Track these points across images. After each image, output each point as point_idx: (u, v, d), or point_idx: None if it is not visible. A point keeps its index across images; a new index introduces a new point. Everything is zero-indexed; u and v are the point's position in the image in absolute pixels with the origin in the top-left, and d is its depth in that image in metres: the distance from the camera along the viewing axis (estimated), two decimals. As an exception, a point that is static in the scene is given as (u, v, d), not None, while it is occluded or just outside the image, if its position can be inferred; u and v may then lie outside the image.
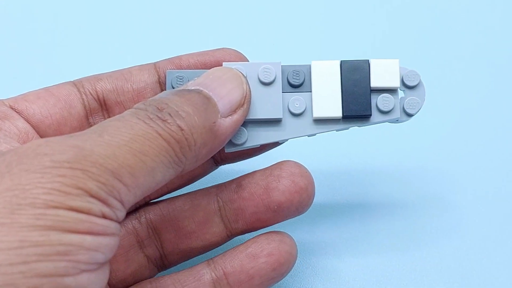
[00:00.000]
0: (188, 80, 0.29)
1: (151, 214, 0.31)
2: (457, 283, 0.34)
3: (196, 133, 0.25)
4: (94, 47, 0.41)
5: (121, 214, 0.23)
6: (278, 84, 0.30)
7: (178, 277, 0.30)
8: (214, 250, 0.31)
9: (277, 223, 0.31)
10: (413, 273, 0.35)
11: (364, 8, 0.42)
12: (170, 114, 0.25)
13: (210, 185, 0.32)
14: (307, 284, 0.35)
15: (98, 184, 0.22)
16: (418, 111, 0.30)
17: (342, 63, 0.30)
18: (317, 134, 0.30)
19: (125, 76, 0.30)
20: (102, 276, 0.22)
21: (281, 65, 0.30)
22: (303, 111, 0.30)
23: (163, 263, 0.31)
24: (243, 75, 0.29)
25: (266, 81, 0.30)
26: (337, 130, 0.30)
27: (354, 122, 0.30)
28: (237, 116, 0.28)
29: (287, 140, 0.30)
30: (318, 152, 0.37)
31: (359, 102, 0.30)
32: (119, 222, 0.23)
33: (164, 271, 0.32)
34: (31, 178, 0.21)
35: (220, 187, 0.31)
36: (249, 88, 0.29)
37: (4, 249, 0.20)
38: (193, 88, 0.27)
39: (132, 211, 0.31)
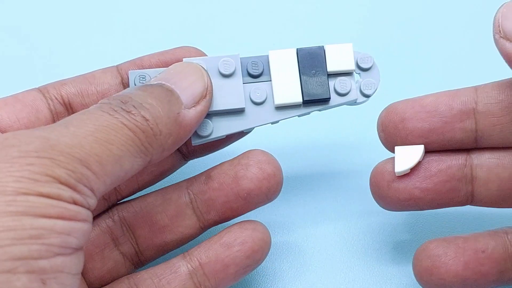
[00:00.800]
0: (151, 78, 0.30)
1: (123, 211, 0.32)
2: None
3: (161, 123, 0.26)
4: (56, 55, 0.41)
5: (92, 201, 0.23)
6: (238, 76, 0.31)
7: (154, 271, 0.30)
8: (190, 243, 0.32)
9: (249, 211, 0.31)
10: (380, 236, 0.36)
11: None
12: (134, 106, 0.26)
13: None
14: (280, 263, 0.35)
15: (67, 171, 0.22)
16: (374, 91, 0.31)
17: (298, 51, 0.31)
18: (280, 121, 0.31)
19: (89, 80, 0.31)
20: (77, 261, 0.23)
21: (240, 57, 0.31)
22: (265, 100, 0.31)
23: (139, 259, 0.32)
24: (203, 68, 0.30)
25: (226, 73, 0.31)
26: (299, 116, 0.31)
27: (315, 106, 0.31)
28: (200, 107, 0.28)
29: (252, 128, 0.31)
30: (283, 140, 0.38)
31: (317, 86, 0.31)
32: (91, 210, 0.24)
33: (141, 268, 0.32)
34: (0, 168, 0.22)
35: (190, 181, 0.32)
36: (210, 80, 0.29)
37: None
38: (155, 83, 0.28)
39: (105, 210, 0.32)
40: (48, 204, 0.22)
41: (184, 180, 0.32)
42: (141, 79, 0.30)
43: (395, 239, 0.36)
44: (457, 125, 0.30)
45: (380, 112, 0.31)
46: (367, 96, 0.31)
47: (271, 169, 0.31)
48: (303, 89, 0.31)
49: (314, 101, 0.31)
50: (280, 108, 0.31)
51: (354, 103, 0.31)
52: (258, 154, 0.31)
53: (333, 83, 0.31)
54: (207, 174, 0.31)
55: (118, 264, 0.31)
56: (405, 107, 0.31)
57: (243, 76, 0.31)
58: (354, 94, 0.31)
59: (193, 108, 0.28)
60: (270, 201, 0.32)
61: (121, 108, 0.25)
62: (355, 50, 0.31)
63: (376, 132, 0.31)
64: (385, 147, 0.32)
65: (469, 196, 0.31)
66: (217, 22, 0.43)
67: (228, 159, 0.32)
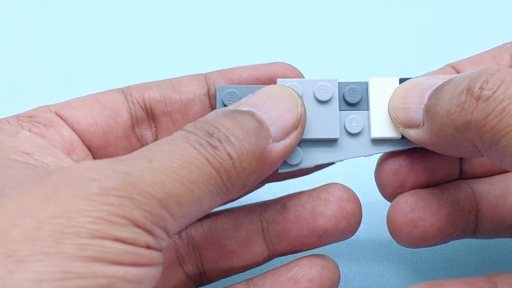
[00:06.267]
0: (240, 97, 0.28)
1: (192, 230, 0.30)
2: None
3: (245, 160, 0.24)
4: (145, 56, 0.40)
5: (165, 244, 0.22)
6: (335, 103, 0.29)
7: None
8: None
9: (321, 247, 0.30)
10: None
11: (423, 20, 0.41)
12: (220, 140, 0.24)
13: (252, 202, 0.31)
14: None
15: (145, 214, 0.21)
16: None
17: (401, 82, 0.29)
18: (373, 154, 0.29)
19: (174, 86, 0.29)
20: None
21: (338, 82, 0.29)
22: (360, 131, 0.29)
23: (202, 280, 0.30)
24: (299, 95, 0.27)
25: (323, 99, 0.28)
26: (394, 151, 0.29)
27: (413, 143, 0.28)
28: (289, 141, 0.26)
29: (342, 160, 0.29)
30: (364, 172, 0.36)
31: None
32: (163, 252, 0.22)
33: (202, 288, 0.31)
34: (77, 205, 0.20)
35: (264, 207, 0.30)
36: (305, 110, 0.27)
37: (47, 280, 0.19)
38: (245, 109, 0.26)
39: None
40: (122, 250, 0.20)
41: (257, 204, 0.30)
42: (229, 96, 0.28)
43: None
44: None
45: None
46: None
47: (352, 208, 0.29)
48: None
49: None
50: (376, 141, 0.29)
51: None
52: (339, 190, 0.29)
53: None
54: (282, 204, 0.30)
55: (181, 284, 0.30)
56: None
57: (339, 102, 0.29)
58: None
59: (282, 141, 0.26)
60: (345, 240, 0.30)
61: (207, 142, 0.24)
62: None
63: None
64: None
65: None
66: (315, 39, 0.41)
67: (304, 184, 0.30)
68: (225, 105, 0.28)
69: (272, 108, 0.26)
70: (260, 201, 0.31)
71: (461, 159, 0.30)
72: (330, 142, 0.29)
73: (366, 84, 0.29)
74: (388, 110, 0.28)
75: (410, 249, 0.32)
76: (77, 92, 0.29)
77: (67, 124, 0.28)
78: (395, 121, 0.28)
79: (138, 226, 0.21)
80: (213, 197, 0.24)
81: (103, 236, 0.20)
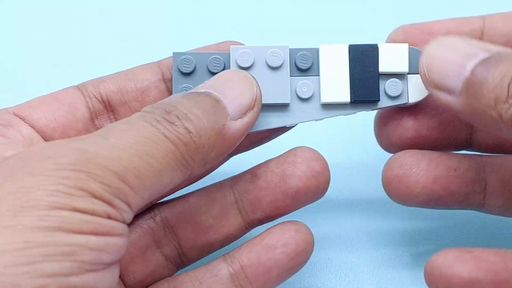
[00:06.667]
0: (195, 64, 0.29)
1: (166, 212, 0.31)
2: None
3: (205, 135, 0.25)
4: (97, 53, 0.41)
5: (128, 216, 0.23)
6: (286, 69, 0.30)
7: (195, 274, 0.30)
8: (232, 243, 0.31)
9: (295, 210, 0.31)
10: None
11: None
12: (177, 117, 0.25)
13: (222, 179, 0.31)
14: (324, 279, 0.34)
15: (102, 186, 0.22)
16: (427, 95, 0.29)
17: (350, 48, 0.30)
18: (325, 119, 0.30)
19: (128, 77, 0.30)
20: (109, 276, 0.22)
21: (289, 49, 0.30)
22: (311, 96, 0.30)
23: (182, 260, 0.31)
24: (253, 77, 0.28)
25: (274, 65, 0.29)
26: (344, 115, 0.30)
27: (362, 107, 0.30)
28: (247, 119, 0.27)
29: (295, 124, 0.30)
30: (327, 140, 0.36)
31: (367, 87, 0.29)
32: (127, 224, 0.23)
33: (183, 269, 0.31)
34: (34, 181, 0.21)
35: (234, 179, 0.31)
36: (260, 90, 0.28)
37: (9, 250, 0.20)
38: (202, 91, 0.27)
39: (146, 210, 0.31)
40: (82, 220, 0.21)
41: (227, 178, 0.31)
42: (185, 63, 0.29)
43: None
44: None
45: None
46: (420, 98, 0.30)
47: (320, 167, 0.30)
48: (352, 88, 0.29)
49: (362, 101, 0.29)
50: (326, 105, 0.30)
51: (404, 105, 0.30)
52: (306, 151, 0.30)
53: (383, 84, 0.29)
54: (252, 173, 0.31)
55: (160, 267, 0.30)
56: (414, 31, 0.30)
57: (290, 68, 0.30)
58: (405, 98, 0.29)
59: (239, 120, 0.27)
60: (316, 200, 0.31)
61: (164, 118, 0.25)
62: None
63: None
64: None
65: (468, 139, 0.31)
66: (261, 11, 0.42)
67: (271, 155, 0.31)
68: (180, 72, 0.29)
69: (228, 89, 0.27)
70: (231, 176, 0.31)
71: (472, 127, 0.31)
72: (282, 107, 0.30)
73: (317, 50, 0.30)
74: (419, 67, 0.28)
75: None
76: (36, 95, 0.30)
77: (26, 123, 0.29)
78: (426, 81, 0.27)
79: (97, 197, 0.22)
80: (174, 171, 0.24)
81: (62, 207, 0.21)
